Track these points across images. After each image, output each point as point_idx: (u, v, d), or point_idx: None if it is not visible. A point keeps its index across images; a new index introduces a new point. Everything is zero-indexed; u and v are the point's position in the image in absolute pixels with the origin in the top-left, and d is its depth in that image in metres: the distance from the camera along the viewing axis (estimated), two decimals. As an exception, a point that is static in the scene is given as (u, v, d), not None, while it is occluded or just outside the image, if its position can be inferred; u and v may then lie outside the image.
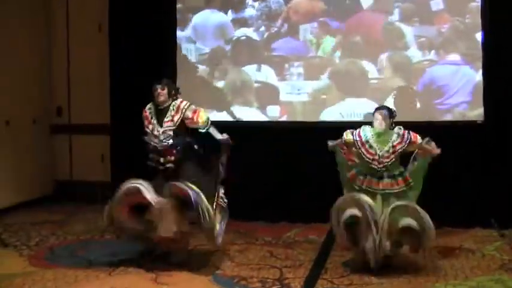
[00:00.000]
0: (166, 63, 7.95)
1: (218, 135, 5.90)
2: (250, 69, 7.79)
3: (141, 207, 5.63)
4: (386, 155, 5.60)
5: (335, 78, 7.50)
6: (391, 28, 7.33)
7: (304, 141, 7.31)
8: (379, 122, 5.66)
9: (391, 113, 5.75)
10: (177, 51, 7.99)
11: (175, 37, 7.99)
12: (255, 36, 7.76)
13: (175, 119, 5.83)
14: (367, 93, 7.36)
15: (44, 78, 8.84)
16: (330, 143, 6.00)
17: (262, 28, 7.72)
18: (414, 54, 7.25)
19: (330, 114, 7.50)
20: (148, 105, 6.00)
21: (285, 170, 7.43)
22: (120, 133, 8.13)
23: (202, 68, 7.94)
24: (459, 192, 6.94)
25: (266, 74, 7.73)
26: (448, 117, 7.15)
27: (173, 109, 5.86)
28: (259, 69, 7.75)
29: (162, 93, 5.87)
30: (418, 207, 5.48)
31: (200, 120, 5.87)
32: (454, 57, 7.14)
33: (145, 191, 5.59)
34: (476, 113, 7.07)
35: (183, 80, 7.62)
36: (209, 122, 5.93)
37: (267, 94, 7.73)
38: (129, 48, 8.07)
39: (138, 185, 5.63)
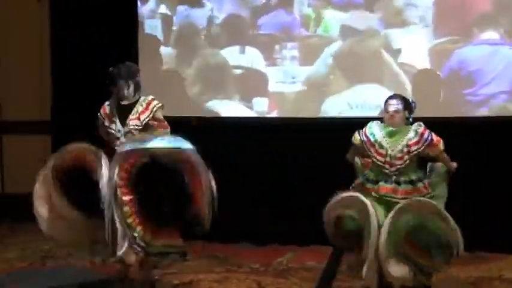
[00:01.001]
0: (125, 44, 7.93)
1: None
2: (230, 52, 7.78)
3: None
4: (399, 155, 5.47)
5: (338, 62, 7.46)
6: (408, -2, 7.36)
7: (300, 142, 7.35)
8: (391, 115, 5.53)
9: (407, 104, 5.61)
10: (139, 28, 7.97)
11: (136, 10, 7.97)
12: (238, 9, 7.76)
13: (142, 117, 5.82)
14: (378, 81, 7.33)
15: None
16: (349, 157, 5.88)
17: (248, -1, 7.76)
18: (439, 31, 7.18)
19: (332, 108, 7.48)
20: (108, 102, 6.00)
21: (275, 179, 7.45)
22: (63, 132, 8.01)
23: (169, 51, 7.93)
24: (497, 208, 6.89)
25: (251, 57, 7.73)
26: (483, 112, 7.09)
27: (141, 105, 5.86)
28: (242, 52, 7.77)
29: (125, 85, 5.84)
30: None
31: (166, 130, 5.89)
32: (491, 34, 7.05)
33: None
34: (520, 105, 7.03)
35: (146, 66, 7.55)
36: None
37: (253, 83, 7.74)
38: (77, 24, 8.03)
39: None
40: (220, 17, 7.79)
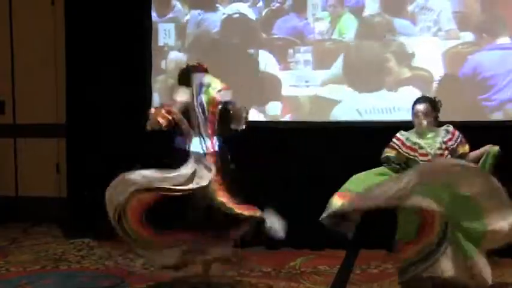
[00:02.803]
0: (139, 47, 7.90)
1: None
2: (244, 56, 7.73)
3: None
4: (439, 152, 5.59)
5: (352, 67, 7.43)
6: (422, 2, 7.24)
7: (313, 146, 7.32)
8: (421, 119, 5.63)
9: (435, 105, 5.71)
10: (153, 31, 7.93)
11: (151, 13, 7.93)
12: (250, 13, 7.70)
13: None
14: (394, 86, 7.31)
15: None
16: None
17: (260, 3, 7.66)
18: (453, 35, 7.16)
19: (345, 112, 7.44)
20: None
21: (288, 183, 7.39)
22: (79, 136, 8.07)
23: (182, 55, 7.86)
24: None
25: (265, 61, 7.68)
26: (497, 117, 7.06)
27: None
28: (256, 56, 7.69)
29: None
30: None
31: None
32: (505, 39, 7.03)
33: None
34: (534, 111, 6.99)
35: (158, 71, 7.72)
36: None
37: (266, 87, 7.68)
38: (91, 26, 7.98)
39: None
40: (234, 20, 7.72)
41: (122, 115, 7.73)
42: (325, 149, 7.17)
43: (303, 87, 7.54)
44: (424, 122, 5.61)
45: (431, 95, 6.95)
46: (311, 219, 7.12)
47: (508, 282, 6.21)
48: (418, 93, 6.98)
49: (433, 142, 5.61)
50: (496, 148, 5.62)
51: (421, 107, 5.64)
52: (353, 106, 7.37)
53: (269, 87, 7.64)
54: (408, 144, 5.63)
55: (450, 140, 5.62)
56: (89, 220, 7.71)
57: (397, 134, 5.71)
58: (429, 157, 5.56)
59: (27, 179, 8.81)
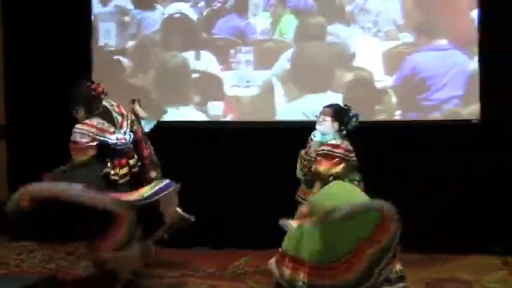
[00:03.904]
0: (79, 45, 7.82)
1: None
2: (185, 57, 7.71)
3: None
4: (310, 158, 5.83)
5: (293, 67, 7.46)
6: (361, 3, 7.30)
7: (255, 145, 7.32)
8: (319, 118, 5.89)
9: (339, 113, 5.85)
10: (92, 31, 7.85)
11: (90, 12, 7.85)
12: (191, 13, 7.67)
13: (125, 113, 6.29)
14: (334, 86, 7.34)
15: None
16: None
17: (202, 3, 7.64)
18: (392, 36, 7.24)
19: (288, 113, 7.46)
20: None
21: (231, 183, 7.39)
22: (19, 136, 7.97)
23: (123, 55, 7.82)
24: (451, 210, 6.94)
25: (206, 61, 7.66)
26: (436, 116, 7.15)
27: (115, 109, 6.26)
28: (197, 56, 7.67)
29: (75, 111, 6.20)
30: None
31: None
32: (441, 41, 7.15)
33: None
34: (471, 110, 7.06)
35: (100, 73, 7.62)
36: None
37: (207, 87, 7.66)
38: (29, 25, 7.87)
39: None
40: (174, 20, 7.69)
41: (60, 115, 7.65)
42: (266, 149, 7.19)
43: (245, 87, 7.54)
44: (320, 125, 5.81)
45: (371, 95, 7.12)
46: (253, 219, 7.22)
47: (444, 278, 6.31)
48: (358, 92, 7.16)
49: (317, 146, 5.77)
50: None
51: (324, 108, 5.87)
52: (295, 106, 7.40)
53: (210, 87, 7.62)
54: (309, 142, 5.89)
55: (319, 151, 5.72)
56: (29, 223, 7.61)
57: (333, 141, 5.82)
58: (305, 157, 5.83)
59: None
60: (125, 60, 7.78)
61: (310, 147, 5.84)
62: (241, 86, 7.56)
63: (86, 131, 5.99)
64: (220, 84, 7.59)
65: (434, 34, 7.14)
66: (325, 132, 5.76)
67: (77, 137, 5.98)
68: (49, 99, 7.68)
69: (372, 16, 7.27)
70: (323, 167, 5.61)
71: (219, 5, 7.57)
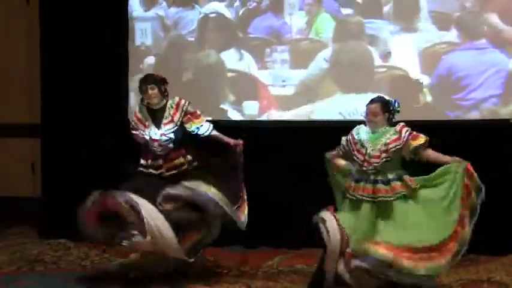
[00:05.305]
0: (116, 45, 7.86)
1: (227, 139, 6.44)
2: (221, 56, 7.73)
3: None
4: (376, 154, 5.64)
5: (329, 66, 7.44)
6: (399, 3, 7.30)
7: (290, 146, 7.31)
8: (369, 119, 5.76)
9: (386, 105, 5.78)
10: (129, 31, 7.89)
11: (127, 12, 7.90)
12: (227, 13, 7.68)
13: (176, 118, 6.28)
14: (371, 86, 7.29)
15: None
16: (327, 155, 6.14)
17: (237, 3, 7.66)
18: (428, 36, 7.22)
19: (324, 112, 7.45)
20: (138, 107, 6.44)
21: (264, 182, 7.31)
22: (54, 136, 8.01)
23: (159, 54, 7.86)
24: (487, 210, 6.74)
25: (242, 61, 7.69)
26: (473, 116, 7.12)
27: (171, 107, 6.31)
28: (233, 56, 7.70)
29: (153, 93, 6.24)
30: None
31: (203, 119, 6.41)
32: (479, 40, 7.10)
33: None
34: (510, 109, 7.03)
35: (135, 70, 7.70)
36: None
37: (243, 86, 7.69)
38: (67, 25, 7.92)
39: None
40: (210, 20, 7.71)
41: (97, 115, 7.74)
42: (302, 148, 7.15)
43: (280, 87, 7.54)
44: (373, 121, 5.71)
45: (406, 94, 7.10)
46: (287, 218, 7.22)
47: (483, 279, 6.26)
48: (395, 93, 6.98)
49: (377, 142, 5.66)
50: (464, 167, 5.62)
51: (370, 106, 5.75)
52: (330, 106, 7.38)
53: (246, 87, 7.64)
54: (355, 137, 5.76)
55: (396, 140, 5.62)
56: (65, 220, 7.69)
57: (357, 126, 5.84)
58: (365, 157, 5.64)
59: (2, 179, 8.69)
60: (160, 60, 7.81)
61: (361, 144, 5.71)
62: (276, 86, 7.56)
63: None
64: (255, 83, 7.60)
65: (473, 33, 7.09)
66: (379, 127, 5.72)
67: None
68: (84, 99, 7.77)
69: (409, 15, 7.24)
70: (421, 137, 5.63)
71: (254, 4, 7.58)
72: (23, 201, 8.40)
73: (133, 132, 6.34)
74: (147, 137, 6.24)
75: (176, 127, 6.24)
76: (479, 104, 7.09)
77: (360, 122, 5.97)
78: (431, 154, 5.65)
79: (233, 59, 7.67)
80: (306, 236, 6.64)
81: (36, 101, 8.18)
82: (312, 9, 7.48)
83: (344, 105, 7.34)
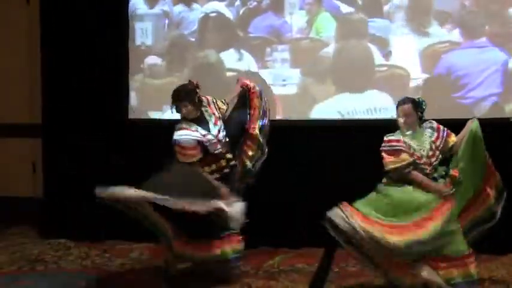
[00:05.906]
0: (116, 45, 7.87)
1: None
2: (221, 56, 7.73)
3: None
4: (431, 153, 5.68)
5: (330, 65, 7.43)
6: (398, 2, 7.27)
7: (290, 144, 7.27)
8: (404, 121, 5.70)
9: (417, 105, 5.76)
10: (129, 30, 7.91)
11: (127, 12, 7.92)
12: (227, 12, 7.69)
13: (217, 113, 6.32)
14: (371, 85, 7.31)
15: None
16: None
17: (237, 2, 7.67)
18: (428, 35, 7.23)
19: (324, 111, 7.43)
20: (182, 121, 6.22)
21: (265, 181, 7.12)
22: (55, 136, 8.02)
23: (160, 53, 7.87)
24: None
25: (242, 60, 7.69)
26: (473, 114, 6.81)
27: (205, 107, 6.28)
28: (233, 55, 7.69)
29: (188, 110, 6.14)
30: None
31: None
32: (480, 38, 7.09)
33: None
34: (510, 108, 7.02)
35: (135, 70, 7.72)
36: None
37: None
38: (67, 26, 7.93)
39: None
40: (210, 19, 7.71)
41: (98, 114, 7.75)
42: (303, 147, 7.17)
43: (281, 86, 7.53)
44: (407, 123, 5.66)
45: (407, 93, 7.08)
46: (289, 218, 7.21)
47: (484, 278, 6.20)
48: (394, 92, 7.07)
49: (422, 143, 5.67)
50: (475, 124, 5.69)
51: (403, 107, 5.69)
52: (330, 105, 7.37)
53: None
54: (407, 144, 5.66)
55: (437, 138, 5.69)
56: (65, 220, 7.72)
57: (392, 137, 5.70)
58: (423, 159, 5.63)
59: (2, 179, 8.73)
60: (160, 59, 7.82)
61: (413, 149, 5.64)
62: (277, 85, 7.54)
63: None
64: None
65: (474, 32, 7.08)
66: (414, 127, 5.71)
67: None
68: (84, 99, 7.78)
69: (409, 14, 7.23)
70: (453, 135, 5.76)
71: (254, 3, 7.58)
72: (24, 201, 8.42)
73: (204, 143, 6.13)
74: (212, 138, 6.13)
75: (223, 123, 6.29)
76: (479, 102, 7.07)
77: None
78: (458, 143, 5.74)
79: (233, 59, 7.66)
80: (306, 235, 6.67)
81: (37, 101, 8.17)
82: (312, 8, 7.47)
83: (344, 104, 7.32)
